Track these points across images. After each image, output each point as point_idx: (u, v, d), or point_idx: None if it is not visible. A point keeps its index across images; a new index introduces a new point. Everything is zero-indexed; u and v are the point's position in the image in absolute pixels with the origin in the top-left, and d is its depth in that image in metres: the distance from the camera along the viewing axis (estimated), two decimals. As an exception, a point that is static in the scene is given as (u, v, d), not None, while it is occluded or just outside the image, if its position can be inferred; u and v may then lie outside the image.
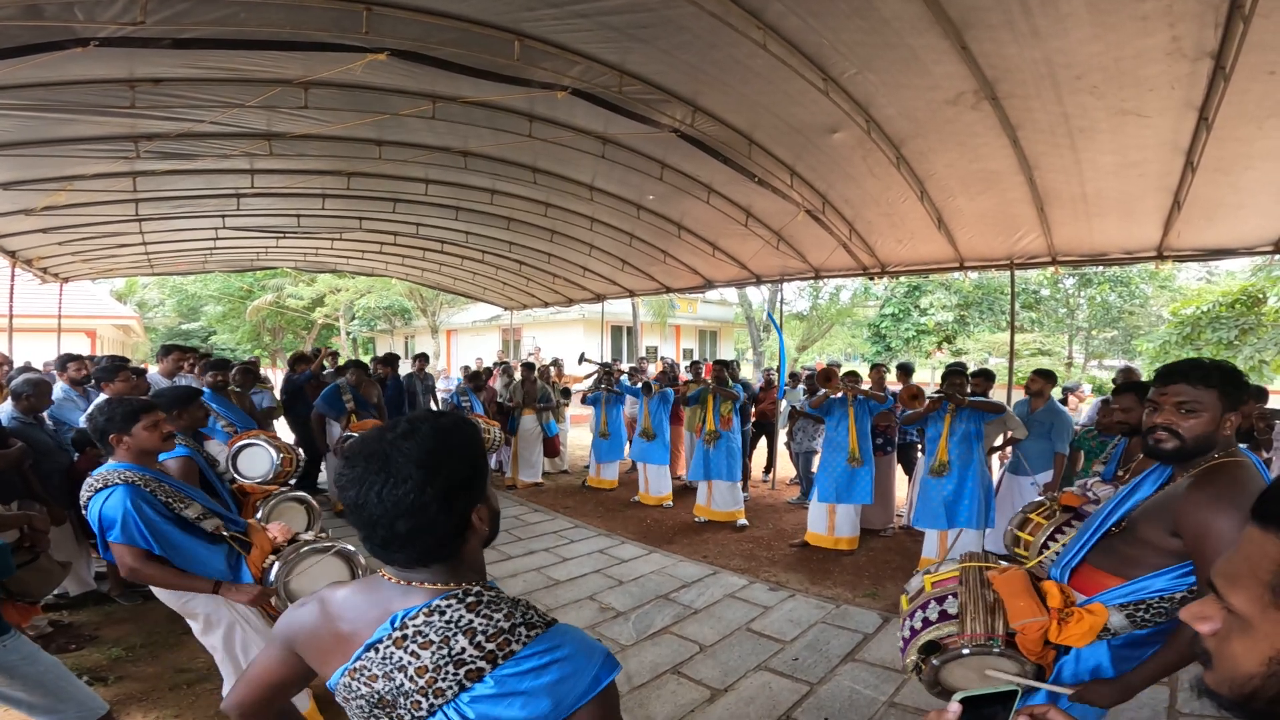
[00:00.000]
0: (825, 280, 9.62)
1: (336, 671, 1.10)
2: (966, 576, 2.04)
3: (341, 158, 6.55)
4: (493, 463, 9.77)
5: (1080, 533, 2.10)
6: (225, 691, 2.91)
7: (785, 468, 9.45)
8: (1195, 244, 5.99)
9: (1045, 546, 2.41)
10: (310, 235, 9.72)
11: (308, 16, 3.70)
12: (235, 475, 4.28)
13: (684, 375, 10.19)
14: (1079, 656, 1.93)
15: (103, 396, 4.84)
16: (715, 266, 9.41)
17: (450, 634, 1.03)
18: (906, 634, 2.03)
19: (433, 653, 1.03)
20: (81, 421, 4.80)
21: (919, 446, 7.33)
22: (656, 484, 8.01)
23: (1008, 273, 7.47)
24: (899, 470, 7.54)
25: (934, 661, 1.93)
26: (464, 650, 1.03)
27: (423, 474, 1.05)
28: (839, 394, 6.19)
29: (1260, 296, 13.49)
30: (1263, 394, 4.91)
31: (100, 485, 2.57)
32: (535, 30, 4.07)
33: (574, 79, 4.51)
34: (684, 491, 8.56)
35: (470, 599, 1.08)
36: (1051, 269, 7.03)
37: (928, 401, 5.62)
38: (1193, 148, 4.40)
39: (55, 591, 3.79)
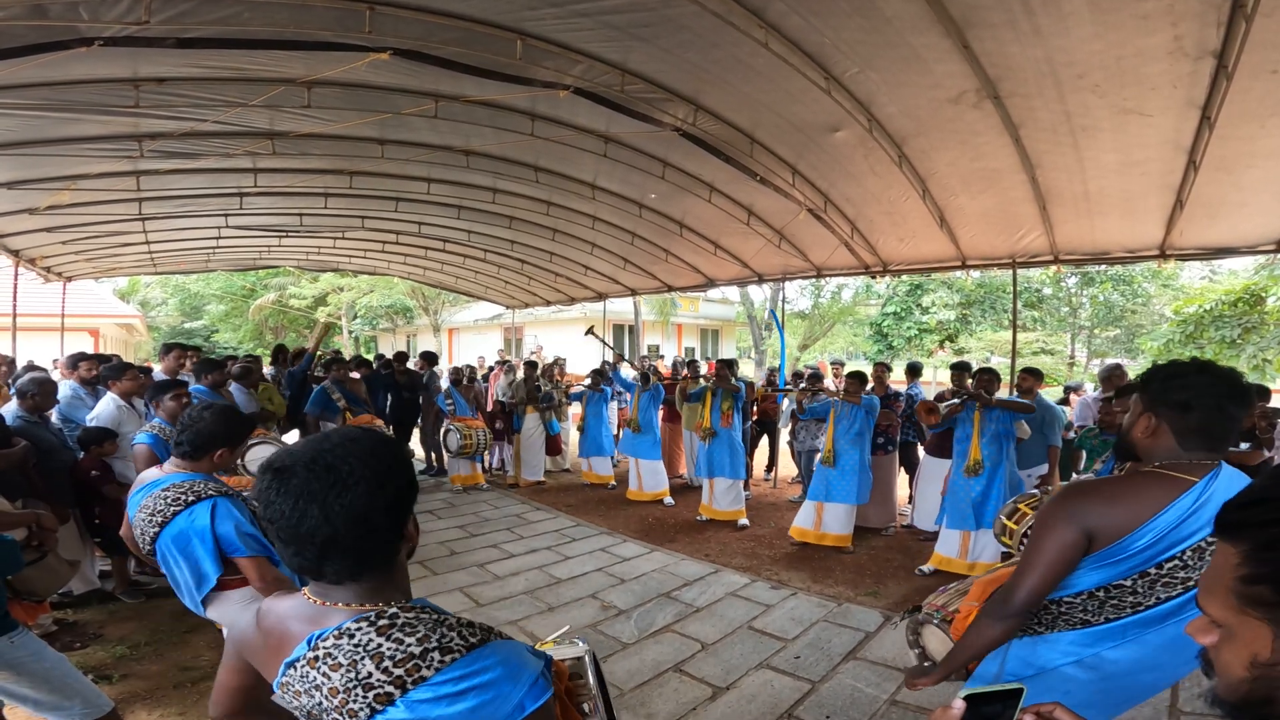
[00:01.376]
0: (827, 279, 9.62)
1: (274, 682, 1.12)
2: (992, 570, 2.27)
3: (344, 157, 6.56)
4: (494, 461, 9.79)
5: None
6: None
7: (787, 466, 9.46)
8: (1198, 243, 5.99)
9: (1025, 536, 2.41)
10: (313, 234, 9.73)
11: (311, 16, 3.71)
12: (244, 472, 4.30)
13: (684, 373, 10.17)
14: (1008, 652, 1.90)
15: (110, 395, 4.87)
16: (717, 265, 9.42)
17: (358, 658, 1.02)
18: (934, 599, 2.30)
19: (341, 675, 1.02)
20: (87, 420, 4.83)
21: (919, 446, 7.34)
22: (650, 480, 8.02)
23: (1010, 271, 7.47)
24: (901, 470, 7.54)
25: (910, 619, 2.26)
26: (370, 674, 1.01)
27: (372, 481, 1.05)
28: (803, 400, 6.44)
29: (1263, 295, 13.45)
30: (1265, 393, 4.91)
31: (193, 499, 2.36)
32: (537, 29, 4.08)
33: (576, 78, 4.52)
34: (685, 490, 8.58)
35: (382, 622, 1.05)
36: (1054, 268, 7.04)
37: (955, 402, 5.60)
38: (1195, 146, 4.40)
39: (60, 590, 3.80)
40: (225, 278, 28.33)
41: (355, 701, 1.00)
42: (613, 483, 8.91)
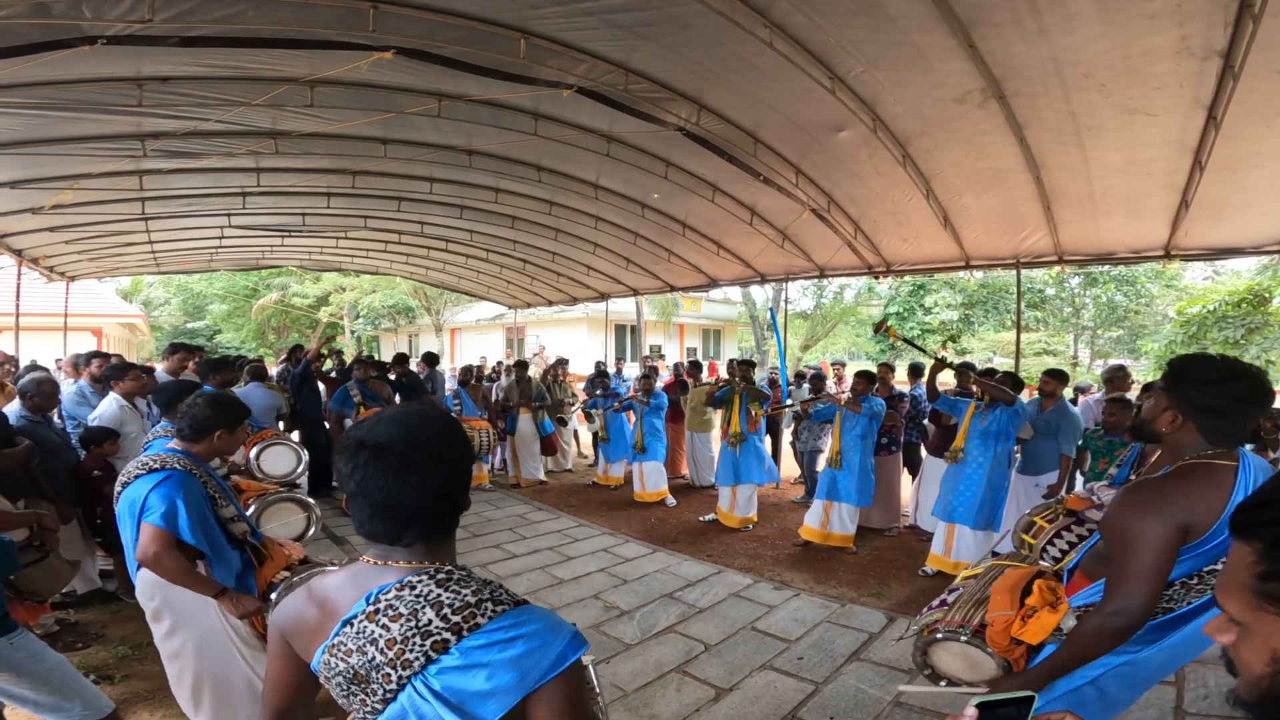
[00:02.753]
0: (830, 279, 9.61)
1: (318, 650, 1.14)
2: (987, 572, 2.16)
3: (347, 156, 6.57)
4: (496, 462, 9.79)
5: (1093, 537, 2.11)
6: (181, 704, 2.76)
7: (790, 467, 9.44)
8: (1203, 243, 5.97)
9: (1045, 550, 2.38)
10: (315, 234, 9.74)
11: (314, 14, 3.70)
12: (259, 475, 4.31)
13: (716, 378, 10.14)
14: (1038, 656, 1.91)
15: (112, 395, 4.87)
16: (720, 265, 9.41)
17: (419, 607, 1.08)
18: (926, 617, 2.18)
19: (401, 625, 1.07)
20: (90, 420, 4.83)
21: (922, 446, 7.32)
22: (652, 480, 7.99)
23: (1013, 272, 7.45)
24: (905, 470, 7.52)
25: (917, 641, 2.11)
26: (430, 622, 1.06)
27: (458, 457, 1.18)
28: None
29: (1267, 296, 13.44)
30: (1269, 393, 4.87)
31: (157, 466, 2.48)
32: (541, 28, 4.08)
33: (579, 77, 4.51)
34: (687, 491, 8.56)
35: (441, 575, 1.13)
36: (1057, 268, 7.02)
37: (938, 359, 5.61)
38: (1201, 146, 4.39)
39: (62, 590, 3.80)
40: (228, 277, 28.38)
41: (411, 650, 1.06)
42: (619, 484, 8.90)
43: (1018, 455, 6.07)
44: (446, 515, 1.19)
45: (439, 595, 1.09)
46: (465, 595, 1.10)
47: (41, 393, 4.20)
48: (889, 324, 5.16)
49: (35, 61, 3.65)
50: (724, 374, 10.08)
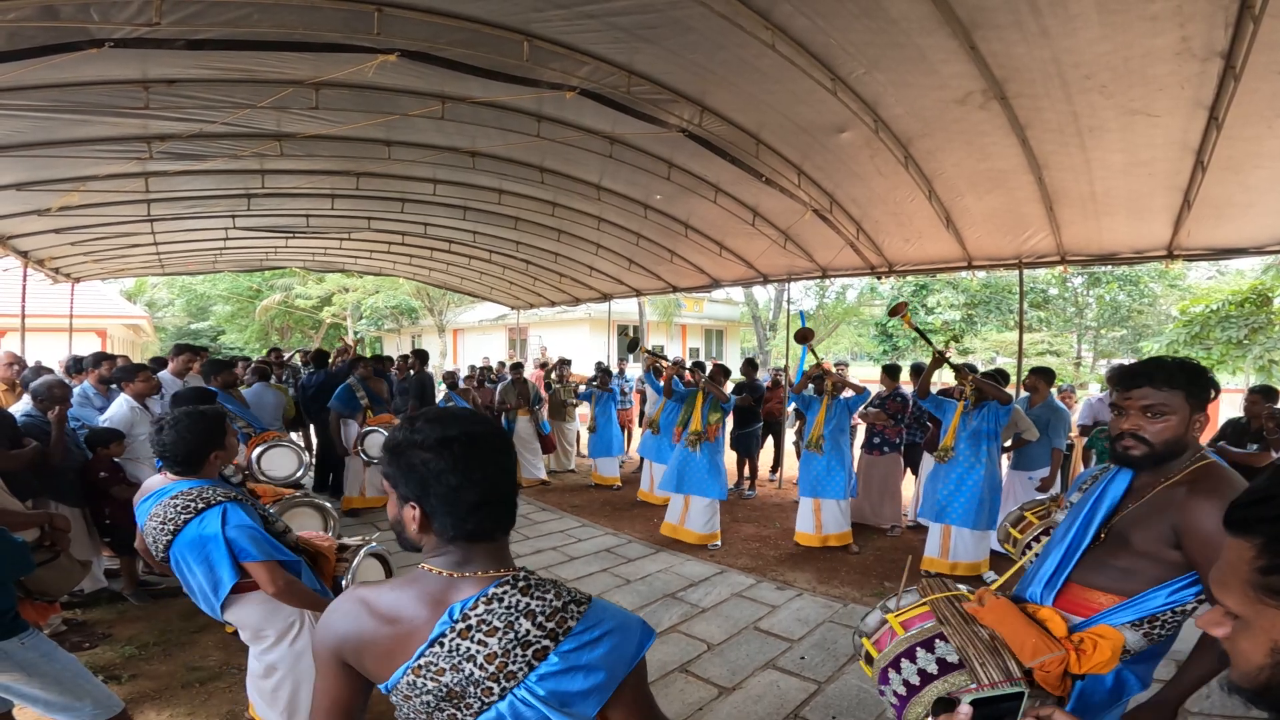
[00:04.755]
0: (832, 279, 9.60)
1: (398, 670, 1.10)
2: (943, 612, 1.83)
3: (351, 158, 6.59)
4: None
5: (1056, 548, 1.93)
6: (271, 713, 2.77)
7: (793, 466, 9.45)
8: (1205, 243, 5.97)
9: (1029, 546, 2.27)
10: (319, 235, 9.76)
11: (319, 18, 3.73)
12: (261, 477, 4.33)
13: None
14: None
15: (123, 396, 4.90)
16: (722, 266, 9.42)
17: (513, 619, 1.08)
18: (900, 690, 1.74)
19: (499, 639, 1.07)
20: (97, 420, 4.86)
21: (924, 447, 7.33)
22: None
23: (1016, 272, 7.46)
24: (907, 471, 7.53)
25: (965, 707, 1.60)
26: (529, 632, 1.08)
27: (512, 455, 1.25)
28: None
29: (1270, 295, 13.40)
30: (1272, 394, 4.89)
31: (203, 505, 2.36)
32: (544, 31, 4.10)
33: (582, 79, 4.53)
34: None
35: (522, 583, 1.13)
36: (1060, 268, 7.02)
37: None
38: (1203, 147, 4.39)
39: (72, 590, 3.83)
40: (231, 278, 28.45)
41: (515, 662, 1.07)
42: (619, 484, 8.92)
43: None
44: (515, 508, 1.24)
45: (528, 604, 1.10)
46: (551, 600, 1.12)
47: (52, 396, 4.23)
48: (907, 309, 4.99)
49: (42, 64, 3.67)
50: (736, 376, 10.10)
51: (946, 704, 1.58)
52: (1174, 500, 1.73)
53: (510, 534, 1.24)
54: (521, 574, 1.16)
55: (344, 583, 2.70)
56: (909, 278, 17.98)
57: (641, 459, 8.50)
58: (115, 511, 4.50)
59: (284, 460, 4.56)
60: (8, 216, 6.82)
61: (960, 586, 1.96)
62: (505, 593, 1.11)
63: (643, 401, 11.03)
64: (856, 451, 7.33)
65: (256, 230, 8.98)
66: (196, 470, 2.47)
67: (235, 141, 5.64)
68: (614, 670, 1.10)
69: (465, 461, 1.14)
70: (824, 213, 6.64)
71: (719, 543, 6.34)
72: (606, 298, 12.51)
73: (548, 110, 5.45)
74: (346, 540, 3.04)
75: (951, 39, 3.74)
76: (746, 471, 8.71)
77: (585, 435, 11.82)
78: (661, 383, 7.43)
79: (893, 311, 5.17)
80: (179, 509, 2.36)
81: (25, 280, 8.63)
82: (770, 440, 9.42)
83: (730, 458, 8.18)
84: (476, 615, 1.09)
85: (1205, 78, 3.69)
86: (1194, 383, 1.77)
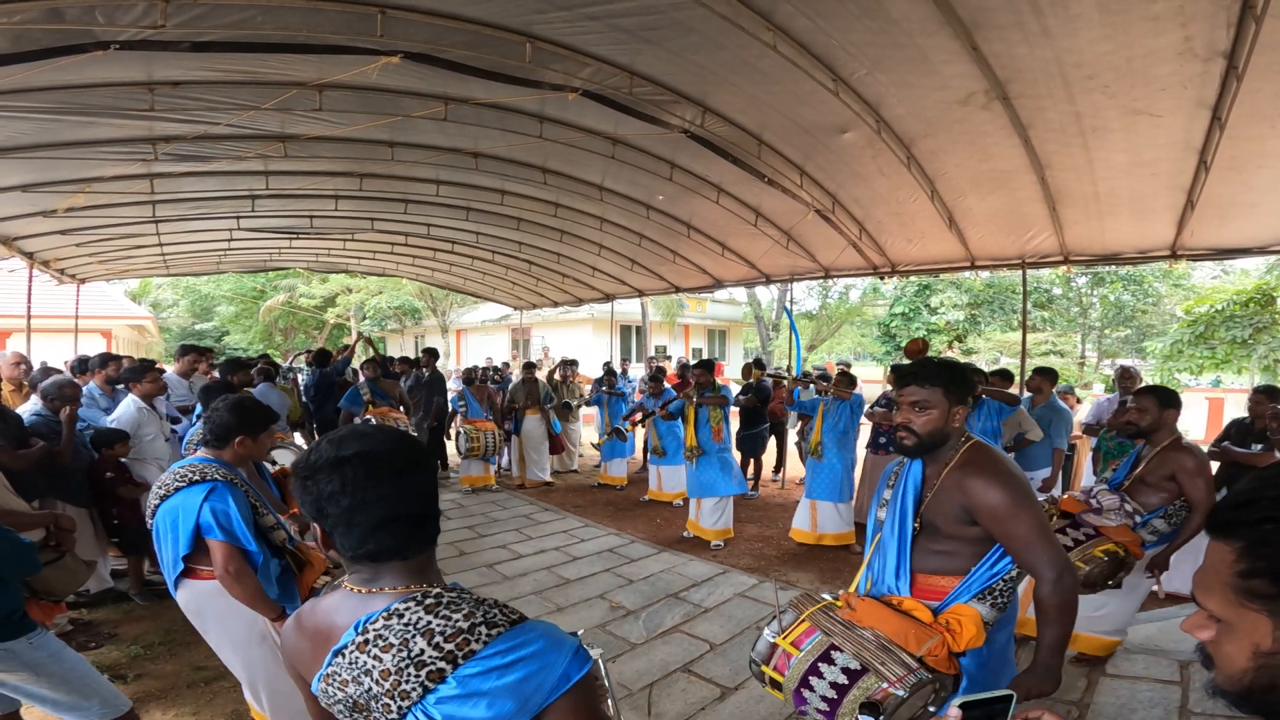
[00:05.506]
0: (835, 280, 9.59)
1: (315, 678, 1.14)
2: (822, 624, 1.98)
3: (354, 159, 6.61)
4: (503, 463, 9.82)
5: (889, 543, 2.14)
6: (245, 691, 2.88)
7: (795, 467, 9.45)
8: (1209, 243, 5.96)
9: None
10: (323, 236, 9.79)
11: (323, 19, 3.74)
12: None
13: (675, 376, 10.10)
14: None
15: (130, 397, 4.93)
16: (724, 266, 9.42)
17: (409, 636, 1.05)
18: (822, 706, 1.88)
19: (393, 655, 1.04)
20: (104, 421, 4.88)
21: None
22: (670, 481, 8.00)
23: (1019, 272, 7.45)
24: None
25: (882, 717, 1.80)
26: (423, 651, 1.03)
27: (416, 468, 1.17)
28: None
29: (1274, 295, 13.35)
30: (1277, 394, 4.87)
31: (197, 478, 2.47)
32: (546, 32, 4.11)
33: (584, 80, 4.54)
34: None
35: (429, 600, 1.09)
36: (1064, 268, 7.01)
37: None
38: (1206, 147, 4.39)
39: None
40: (235, 279, 28.54)
41: (408, 682, 1.03)
42: (624, 484, 8.93)
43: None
44: (418, 528, 1.17)
45: (429, 623, 1.06)
46: (456, 621, 1.06)
47: (63, 395, 4.26)
48: (927, 351, 5.10)
49: (49, 66, 3.68)
50: (736, 376, 10.10)
51: (871, 707, 1.75)
52: (956, 484, 2.00)
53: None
54: (434, 592, 1.12)
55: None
56: (912, 278, 17.97)
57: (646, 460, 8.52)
58: (122, 512, 4.52)
59: (285, 461, 4.57)
60: (14, 218, 6.86)
61: (824, 595, 2.13)
62: (408, 609, 1.08)
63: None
64: (861, 452, 7.34)
65: (261, 231, 9.02)
66: (221, 447, 2.61)
67: (240, 143, 5.66)
68: (527, 700, 1.02)
69: (359, 482, 1.11)
70: (826, 213, 6.64)
71: (721, 542, 6.33)
72: (609, 298, 12.53)
73: (550, 111, 5.46)
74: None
75: (953, 39, 3.74)
76: (750, 472, 8.71)
77: (588, 435, 11.87)
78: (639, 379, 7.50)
79: (910, 352, 5.27)
80: (177, 476, 2.50)
81: (31, 281, 8.67)
82: (774, 440, 9.42)
83: (735, 457, 8.19)
84: (375, 630, 1.07)
85: (1208, 78, 3.69)
86: (953, 380, 2.06)
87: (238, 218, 8.14)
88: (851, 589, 2.21)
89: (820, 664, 1.88)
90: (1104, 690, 3.52)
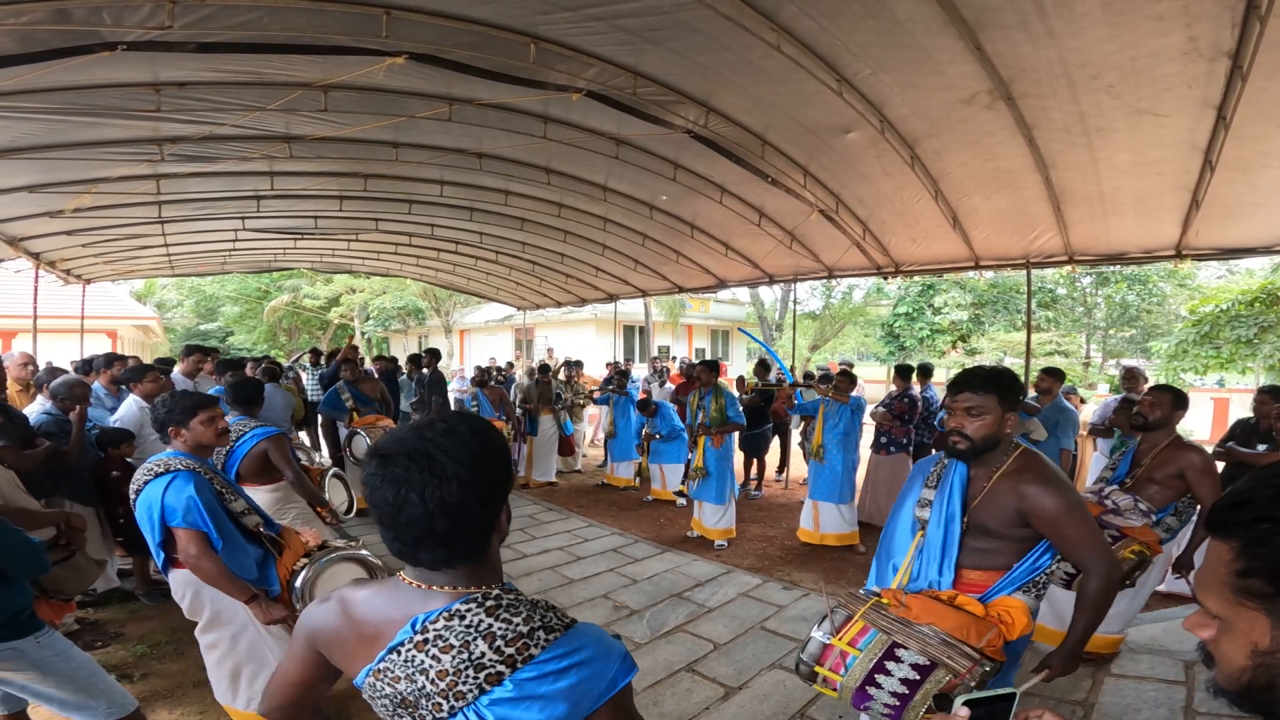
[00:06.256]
0: (838, 279, 9.58)
1: (362, 671, 1.13)
2: (879, 623, 2.00)
3: (359, 160, 6.63)
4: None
5: (934, 540, 2.21)
6: (217, 691, 2.98)
7: (799, 467, 9.45)
8: (1214, 243, 5.95)
9: None
10: (327, 236, 9.82)
11: (328, 20, 3.76)
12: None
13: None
14: None
15: (132, 397, 4.95)
16: (728, 266, 9.43)
17: (470, 638, 1.04)
18: (891, 701, 1.89)
19: (453, 656, 1.04)
20: (109, 421, 4.90)
21: (933, 449, 7.32)
22: (672, 479, 8.01)
23: (1023, 272, 7.44)
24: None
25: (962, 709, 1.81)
26: (484, 655, 1.03)
27: (469, 474, 1.06)
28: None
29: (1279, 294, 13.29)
30: (1282, 394, 4.85)
31: (161, 470, 2.62)
32: (551, 33, 4.11)
33: (588, 81, 4.54)
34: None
35: (490, 603, 1.09)
36: (1068, 268, 7.00)
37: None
38: (1211, 146, 4.38)
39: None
40: (240, 280, 28.63)
41: (465, 683, 1.03)
42: (633, 485, 8.95)
43: None
44: (464, 538, 1.09)
45: (490, 625, 1.05)
46: (517, 625, 1.06)
47: (73, 395, 4.29)
48: None
49: (56, 67, 3.71)
50: (743, 377, 10.11)
51: (941, 699, 1.85)
52: (1011, 489, 2.09)
53: (501, 547, 1.18)
54: (495, 593, 1.11)
55: (298, 580, 2.76)
56: (915, 278, 17.95)
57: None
58: (129, 511, 4.53)
59: (336, 493, 4.42)
60: (20, 219, 6.89)
61: (860, 592, 2.20)
62: (469, 611, 1.07)
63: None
64: (865, 453, 7.34)
65: (266, 231, 9.05)
66: (165, 439, 2.80)
67: (245, 143, 5.68)
68: (578, 705, 1.03)
69: (374, 481, 1.07)
70: (830, 213, 6.64)
71: (724, 542, 6.33)
72: (612, 298, 12.54)
73: (554, 112, 5.47)
74: (338, 542, 3.07)
75: (957, 39, 3.74)
76: (754, 471, 8.71)
77: (591, 435, 11.88)
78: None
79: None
80: (144, 471, 2.66)
81: (37, 281, 8.70)
82: (777, 440, 9.42)
83: (738, 458, 8.19)
84: (435, 630, 1.06)
85: (1213, 77, 3.68)
86: (1005, 388, 2.14)
87: (243, 218, 8.17)
88: (894, 585, 2.27)
89: (886, 661, 1.92)
90: (1109, 690, 3.51)
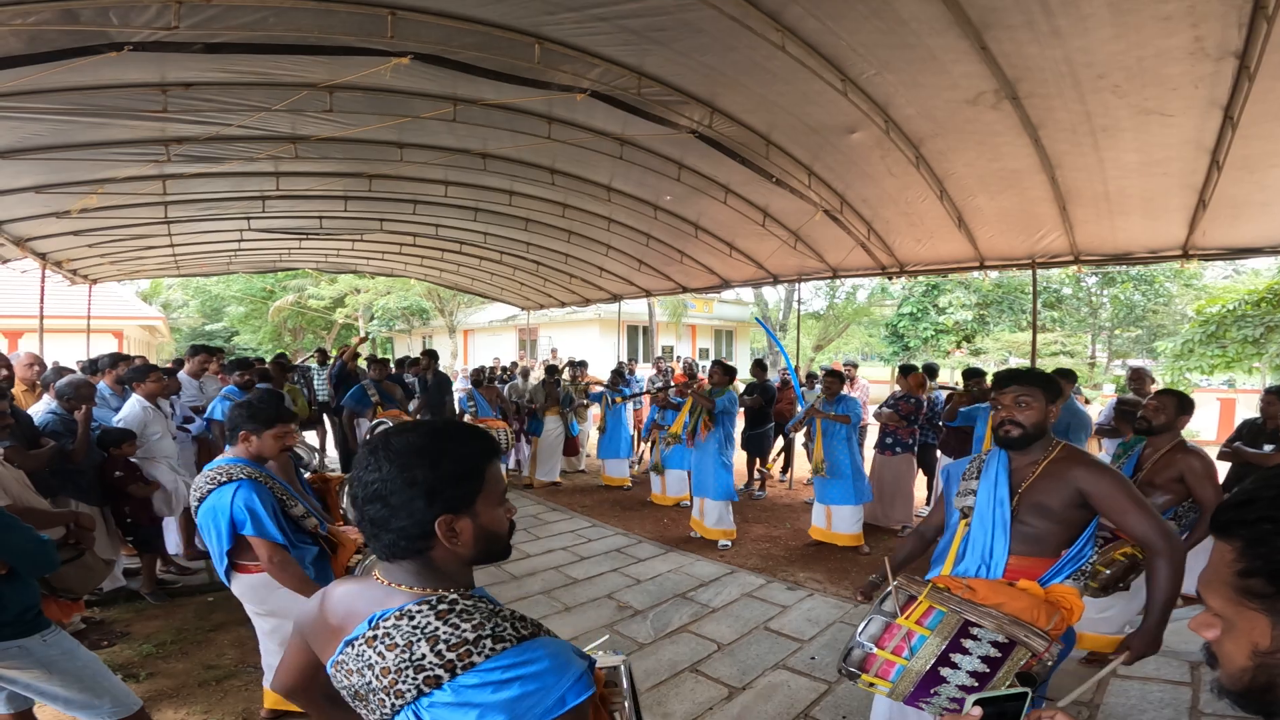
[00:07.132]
0: (842, 280, 9.57)
1: (328, 662, 1.18)
2: (951, 603, 1.99)
3: (364, 160, 6.64)
4: (510, 463, 9.85)
5: (982, 528, 2.32)
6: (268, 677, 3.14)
7: (803, 467, 9.44)
8: (1221, 243, 5.92)
9: None
10: (332, 236, 9.84)
11: (334, 21, 3.77)
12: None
13: (701, 377, 10.11)
14: None
15: (135, 397, 4.97)
16: (732, 266, 9.42)
17: (414, 639, 1.06)
18: (969, 682, 1.86)
19: (396, 655, 1.06)
20: (114, 422, 4.92)
21: (937, 448, 7.31)
22: (674, 486, 8.00)
23: (1029, 272, 7.42)
24: (920, 472, 7.50)
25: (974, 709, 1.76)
26: (424, 657, 1.04)
27: (393, 468, 1.12)
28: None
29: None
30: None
31: (225, 479, 2.67)
32: (555, 34, 4.12)
33: (593, 81, 4.55)
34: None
35: (442, 606, 1.10)
36: (1074, 268, 6.98)
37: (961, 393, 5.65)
38: (1218, 146, 4.36)
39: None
40: (245, 280, 28.69)
41: (404, 682, 1.05)
42: (629, 485, 8.94)
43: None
44: (393, 533, 1.13)
45: (436, 629, 1.06)
46: (464, 631, 1.06)
47: (78, 395, 4.31)
48: None
49: (63, 68, 3.72)
50: (744, 375, 10.11)
51: (1024, 678, 1.87)
52: (1065, 473, 2.24)
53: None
54: (451, 597, 1.12)
55: (356, 572, 2.81)
56: (920, 278, 17.91)
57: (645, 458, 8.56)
58: (134, 510, 4.56)
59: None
60: (27, 219, 6.92)
61: (915, 578, 2.18)
62: (419, 612, 1.09)
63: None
64: (869, 453, 7.33)
65: (271, 232, 9.07)
66: (233, 442, 2.83)
67: (251, 144, 5.70)
68: (520, 719, 1.01)
69: (355, 466, 1.16)
70: (834, 213, 6.63)
71: (727, 542, 6.32)
72: (616, 298, 12.54)
73: (558, 112, 5.47)
74: None
75: (962, 39, 3.73)
76: (757, 472, 8.70)
77: (594, 435, 11.88)
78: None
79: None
80: (207, 479, 2.70)
81: (44, 281, 8.74)
82: (780, 441, 9.41)
83: (741, 457, 8.19)
84: (385, 628, 1.09)
85: (1219, 77, 3.67)
86: (1048, 382, 2.36)
87: (248, 218, 8.19)
88: (945, 571, 2.38)
89: (962, 640, 1.90)
90: (1114, 691, 3.50)
